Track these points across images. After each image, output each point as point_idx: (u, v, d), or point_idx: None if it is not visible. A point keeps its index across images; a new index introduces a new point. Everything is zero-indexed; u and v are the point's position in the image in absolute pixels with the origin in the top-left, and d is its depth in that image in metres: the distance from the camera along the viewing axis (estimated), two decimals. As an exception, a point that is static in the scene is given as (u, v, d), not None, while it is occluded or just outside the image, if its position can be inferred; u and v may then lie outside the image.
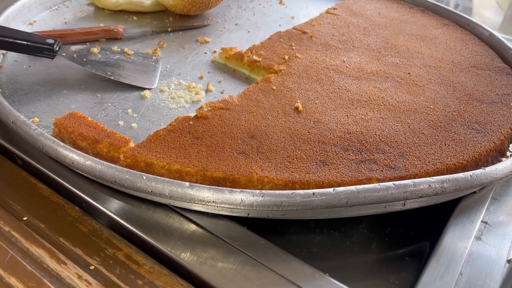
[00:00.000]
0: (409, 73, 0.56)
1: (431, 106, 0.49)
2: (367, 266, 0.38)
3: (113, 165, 0.35)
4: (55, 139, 0.37)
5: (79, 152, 0.36)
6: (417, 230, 0.42)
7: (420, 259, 0.39)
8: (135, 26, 0.65)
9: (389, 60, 0.59)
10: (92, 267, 0.31)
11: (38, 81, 0.50)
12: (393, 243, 0.40)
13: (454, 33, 0.70)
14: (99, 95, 0.49)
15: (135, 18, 0.68)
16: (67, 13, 0.68)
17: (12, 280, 0.29)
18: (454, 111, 0.49)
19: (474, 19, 0.73)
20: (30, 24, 0.63)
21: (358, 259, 0.39)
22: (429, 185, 0.36)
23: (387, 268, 0.38)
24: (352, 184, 0.37)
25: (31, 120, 0.43)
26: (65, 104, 0.47)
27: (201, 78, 0.55)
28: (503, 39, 0.65)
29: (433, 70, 0.57)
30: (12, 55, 0.55)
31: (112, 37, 0.61)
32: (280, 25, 0.72)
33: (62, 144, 0.37)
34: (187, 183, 0.34)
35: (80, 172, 0.37)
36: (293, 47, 0.61)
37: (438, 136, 0.44)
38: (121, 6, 0.68)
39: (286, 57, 0.57)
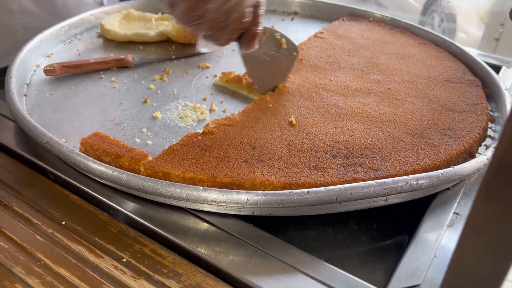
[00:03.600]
0: (389, 88, 0.63)
1: (409, 117, 0.56)
2: (358, 256, 0.44)
3: (136, 174, 0.41)
4: (85, 155, 0.43)
5: (106, 165, 0.42)
6: (400, 224, 0.47)
7: (402, 248, 0.45)
8: (142, 55, 0.72)
9: (371, 78, 0.66)
10: (124, 260, 0.36)
11: (60, 107, 0.57)
12: (380, 236, 0.46)
13: (430, 51, 0.77)
14: (115, 117, 0.55)
15: (141, 47, 0.75)
16: (79, 45, 0.74)
17: (61, 271, 0.34)
18: (429, 120, 0.56)
19: (459, 34, 0.81)
20: (47, 56, 0.69)
21: (349, 250, 0.45)
22: (406, 182, 0.42)
23: (375, 257, 0.44)
24: (341, 184, 0.43)
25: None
26: (86, 126, 0.53)
27: (204, 99, 0.61)
28: (473, 55, 0.73)
29: (410, 85, 0.64)
30: (34, 85, 0.61)
31: (123, 66, 0.67)
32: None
33: (91, 159, 0.43)
34: (201, 187, 0.40)
35: (107, 183, 0.43)
36: (286, 69, 0.68)
37: (415, 142, 0.51)
38: (129, 37, 0.75)
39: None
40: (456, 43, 0.78)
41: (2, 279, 0.33)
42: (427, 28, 0.84)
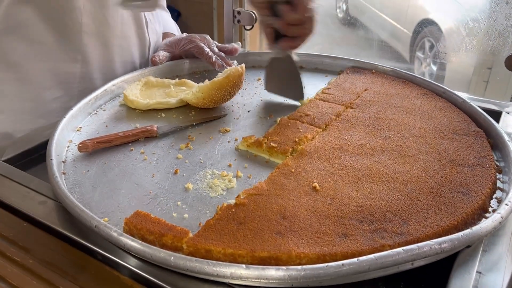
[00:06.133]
0: (400, 145, 0.67)
1: (423, 174, 0.60)
2: (390, 317, 0.47)
3: (183, 255, 0.45)
4: (133, 238, 0.47)
5: (154, 247, 0.46)
6: (425, 284, 0.51)
7: (431, 307, 0.48)
8: (165, 123, 0.77)
9: (382, 134, 0.71)
10: None
11: (98, 184, 0.61)
12: (408, 295, 0.49)
13: (433, 101, 0.82)
14: (151, 191, 0.59)
15: (163, 114, 0.80)
16: (105, 116, 0.79)
17: None
18: (441, 177, 0.60)
19: (448, 74, 0.86)
20: (77, 130, 0.74)
21: (381, 312, 0.48)
22: (430, 247, 0.46)
23: (406, 317, 0.47)
24: (369, 252, 0.47)
25: (102, 219, 0.53)
26: (125, 202, 0.57)
27: (230, 166, 0.66)
28: (474, 105, 0.78)
29: (420, 140, 0.69)
30: (70, 162, 0.65)
31: (149, 136, 0.72)
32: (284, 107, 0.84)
33: (140, 241, 0.47)
34: (244, 265, 0.43)
35: (155, 263, 0.47)
36: (300, 130, 0.72)
37: (431, 201, 0.55)
38: (151, 106, 0.80)
39: (297, 139, 0.69)
40: (457, 93, 0.83)
41: None
42: (428, 78, 0.90)
